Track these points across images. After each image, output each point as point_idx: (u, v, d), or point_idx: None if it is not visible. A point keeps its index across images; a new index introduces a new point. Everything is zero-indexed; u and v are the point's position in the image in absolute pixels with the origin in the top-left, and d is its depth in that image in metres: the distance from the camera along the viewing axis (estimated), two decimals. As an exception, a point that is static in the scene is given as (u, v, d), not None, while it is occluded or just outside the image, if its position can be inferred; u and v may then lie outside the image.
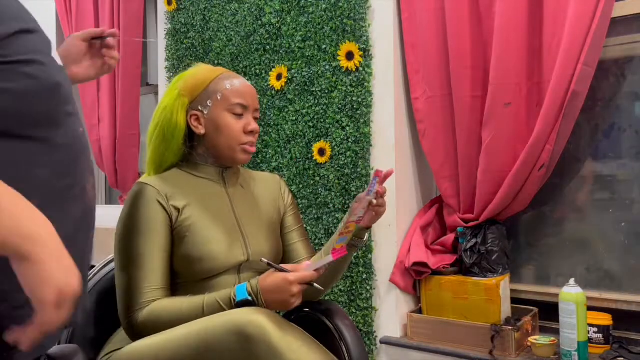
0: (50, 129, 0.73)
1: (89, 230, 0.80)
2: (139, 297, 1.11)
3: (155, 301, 1.11)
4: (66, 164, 0.76)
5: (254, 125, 1.23)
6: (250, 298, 1.07)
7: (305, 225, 1.68)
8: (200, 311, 1.08)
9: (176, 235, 1.16)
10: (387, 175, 1.18)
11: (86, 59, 1.18)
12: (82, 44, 1.17)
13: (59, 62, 0.79)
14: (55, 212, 0.69)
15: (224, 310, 1.07)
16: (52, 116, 0.74)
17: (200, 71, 1.25)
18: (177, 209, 1.17)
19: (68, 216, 0.75)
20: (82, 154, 0.79)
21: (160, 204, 1.15)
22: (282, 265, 1.13)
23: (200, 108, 1.22)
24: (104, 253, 1.29)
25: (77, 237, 0.76)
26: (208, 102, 1.21)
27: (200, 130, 1.22)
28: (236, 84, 1.22)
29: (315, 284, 1.11)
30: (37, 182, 0.71)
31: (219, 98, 1.21)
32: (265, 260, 1.12)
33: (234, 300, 1.08)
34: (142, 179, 1.20)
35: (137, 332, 1.10)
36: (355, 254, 1.29)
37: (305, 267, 1.11)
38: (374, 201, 1.17)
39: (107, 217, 1.64)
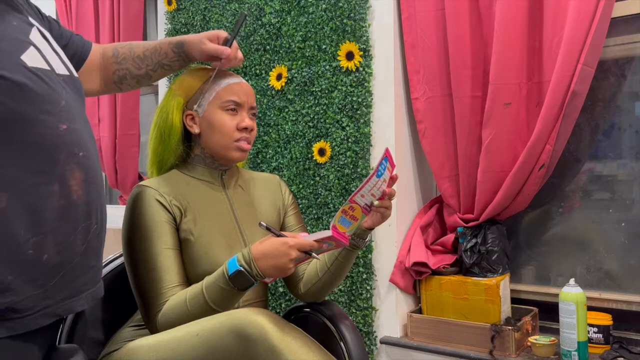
0: (17, 128, 0.77)
1: (75, 223, 0.83)
2: (157, 299, 1.10)
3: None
4: (39, 161, 0.79)
5: (247, 122, 1.22)
6: (241, 268, 1.05)
7: (305, 226, 1.68)
8: (202, 298, 1.07)
9: (181, 238, 1.16)
10: (393, 180, 1.16)
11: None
12: (205, 56, 1.22)
13: (33, 62, 0.82)
14: (25, 206, 0.76)
15: (222, 288, 1.06)
16: (17, 117, 0.77)
17: (195, 71, 1.26)
18: (180, 210, 1.17)
19: (43, 212, 0.79)
20: (62, 150, 0.82)
21: (161, 204, 1.15)
22: (282, 232, 1.10)
23: (194, 107, 1.22)
24: (104, 253, 1.29)
25: (59, 230, 0.80)
26: (202, 101, 1.21)
27: (195, 129, 1.22)
28: (229, 82, 1.22)
29: (314, 254, 1.07)
30: (4, 180, 0.76)
31: (212, 96, 1.21)
32: (264, 224, 1.09)
33: (227, 275, 1.06)
34: (141, 182, 1.20)
35: (160, 330, 1.09)
36: (356, 255, 1.28)
37: (304, 237, 1.08)
38: (386, 190, 1.14)
39: (107, 217, 1.64)
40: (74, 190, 0.82)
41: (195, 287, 1.09)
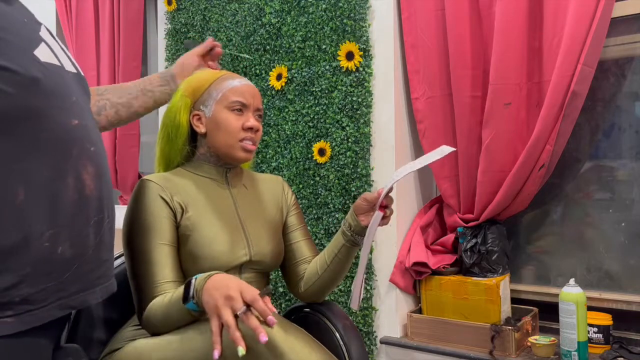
0: (31, 122, 0.77)
1: (88, 217, 0.83)
2: (150, 292, 1.11)
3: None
4: (54, 155, 0.79)
5: (252, 122, 1.23)
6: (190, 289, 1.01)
7: (306, 226, 1.68)
8: (167, 304, 1.06)
9: (180, 233, 1.16)
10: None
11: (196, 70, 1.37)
12: (197, 58, 1.39)
13: (45, 58, 0.82)
14: (41, 201, 0.77)
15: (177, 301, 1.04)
16: (31, 111, 0.78)
17: (203, 73, 1.28)
18: (182, 206, 1.17)
19: (58, 205, 0.79)
20: (75, 145, 0.82)
21: (163, 199, 1.16)
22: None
23: (202, 108, 1.24)
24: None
25: (73, 224, 0.81)
26: (209, 102, 1.23)
27: (202, 129, 1.23)
28: (236, 83, 1.25)
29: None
30: (21, 175, 0.76)
31: (219, 97, 1.23)
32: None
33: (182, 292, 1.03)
34: (145, 176, 1.21)
35: (145, 328, 1.10)
36: (355, 254, 1.28)
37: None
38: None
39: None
40: (87, 184, 0.83)
41: (176, 294, 1.08)
